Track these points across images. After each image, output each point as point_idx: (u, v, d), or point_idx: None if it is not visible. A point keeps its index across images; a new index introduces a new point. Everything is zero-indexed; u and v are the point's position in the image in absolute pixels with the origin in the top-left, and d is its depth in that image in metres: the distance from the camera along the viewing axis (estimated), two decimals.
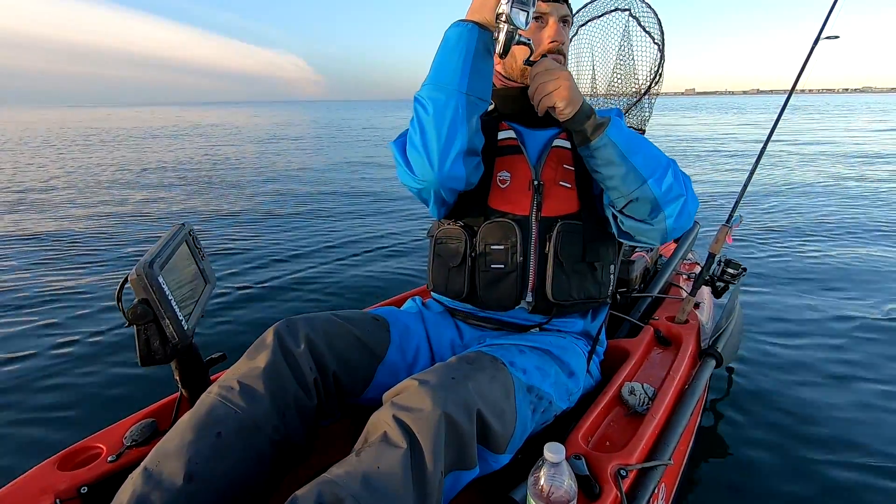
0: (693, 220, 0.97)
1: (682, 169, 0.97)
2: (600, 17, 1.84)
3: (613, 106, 1.87)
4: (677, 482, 1.21)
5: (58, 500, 0.84)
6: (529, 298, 1.04)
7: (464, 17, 0.88)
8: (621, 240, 1.06)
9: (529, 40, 0.89)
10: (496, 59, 0.94)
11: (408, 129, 0.94)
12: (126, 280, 0.89)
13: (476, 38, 0.85)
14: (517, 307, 1.05)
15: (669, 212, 0.92)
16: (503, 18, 0.82)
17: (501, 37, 0.83)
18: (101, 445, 0.97)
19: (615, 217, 1.00)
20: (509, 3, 0.80)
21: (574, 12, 1.92)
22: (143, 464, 0.74)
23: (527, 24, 0.82)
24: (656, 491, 0.88)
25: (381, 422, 0.71)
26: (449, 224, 1.08)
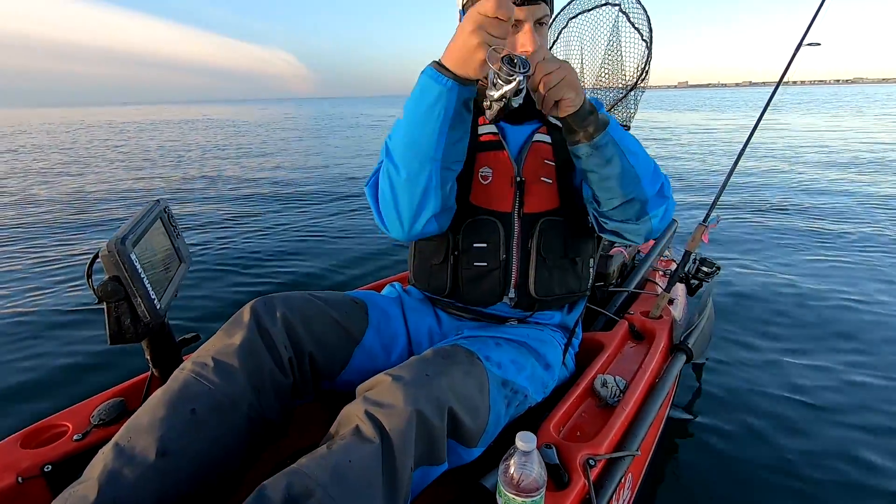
0: (670, 220, 0.97)
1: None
2: (591, 10, 1.84)
3: (601, 99, 1.88)
4: (644, 472, 1.24)
5: (20, 478, 0.82)
6: (512, 295, 1.04)
7: (440, 61, 0.75)
8: (603, 236, 1.05)
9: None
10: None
11: (379, 171, 0.91)
12: (97, 256, 0.86)
13: (456, 99, 0.76)
14: (499, 303, 1.05)
15: (655, 213, 0.92)
16: (500, 90, 0.71)
17: (495, 106, 0.74)
18: (66, 424, 0.95)
19: (597, 217, 0.98)
20: (513, 83, 0.70)
21: (565, 5, 1.91)
22: (114, 439, 0.73)
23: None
24: (623, 480, 0.90)
25: (353, 415, 0.71)
26: None
